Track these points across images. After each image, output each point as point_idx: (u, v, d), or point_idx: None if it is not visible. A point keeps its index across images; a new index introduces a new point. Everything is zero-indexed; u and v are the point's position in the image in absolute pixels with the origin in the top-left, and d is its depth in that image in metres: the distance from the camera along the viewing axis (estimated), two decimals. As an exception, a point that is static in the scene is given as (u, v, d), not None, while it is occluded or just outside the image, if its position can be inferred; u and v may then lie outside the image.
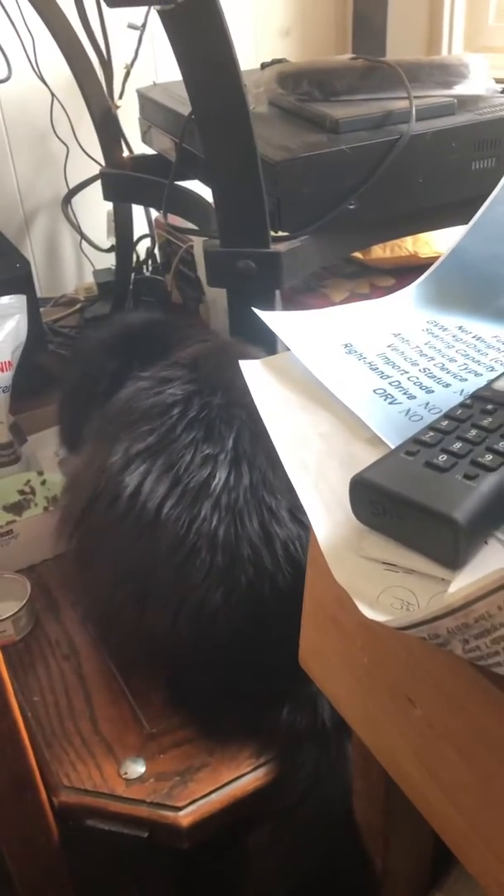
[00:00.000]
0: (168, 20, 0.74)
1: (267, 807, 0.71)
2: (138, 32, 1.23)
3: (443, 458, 0.41)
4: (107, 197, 1.22)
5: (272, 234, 0.85)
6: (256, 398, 0.51)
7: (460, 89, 0.97)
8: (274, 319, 0.57)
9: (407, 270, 1.09)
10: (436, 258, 0.62)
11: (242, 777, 0.71)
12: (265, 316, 0.57)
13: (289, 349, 0.54)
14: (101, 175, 1.20)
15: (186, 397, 0.73)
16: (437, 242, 1.10)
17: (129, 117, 1.23)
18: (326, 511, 0.44)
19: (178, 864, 0.83)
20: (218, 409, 0.72)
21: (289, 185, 0.86)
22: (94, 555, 0.75)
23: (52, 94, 1.33)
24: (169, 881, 0.84)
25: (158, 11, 0.73)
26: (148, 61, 1.33)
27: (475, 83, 0.98)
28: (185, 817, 0.68)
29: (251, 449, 0.70)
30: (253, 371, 0.53)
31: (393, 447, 0.45)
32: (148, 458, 0.70)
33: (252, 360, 0.54)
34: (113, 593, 0.73)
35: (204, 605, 0.68)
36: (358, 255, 1.14)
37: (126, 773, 0.71)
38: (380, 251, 1.13)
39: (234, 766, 0.72)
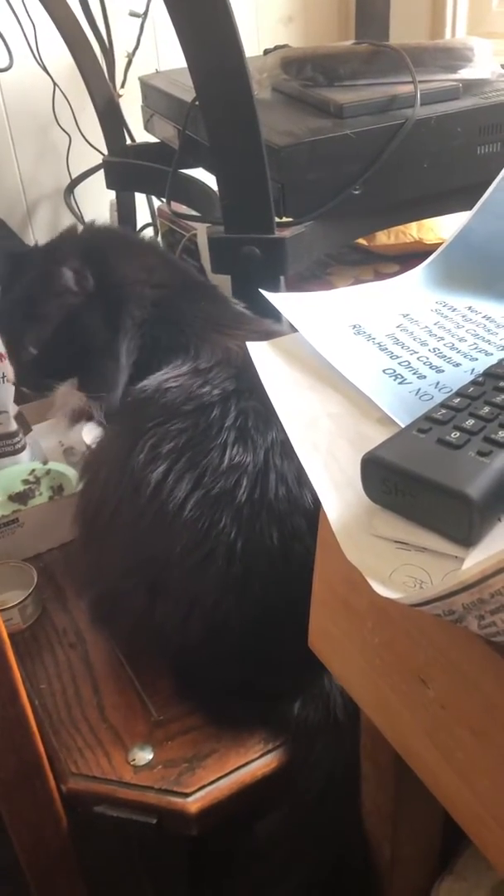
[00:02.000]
0: (172, 2, 0.73)
1: (276, 794, 0.71)
2: (140, 20, 1.23)
3: (455, 434, 0.41)
4: (110, 186, 1.22)
5: (277, 219, 0.85)
6: (264, 379, 0.51)
7: (465, 73, 0.96)
8: (281, 301, 0.56)
9: (411, 257, 1.08)
10: (440, 244, 0.62)
11: (251, 763, 0.71)
12: (273, 297, 0.56)
13: (296, 331, 0.54)
14: (104, 164, 1.20)
15: (224, 397, 0.70)
16: (442, 228, 1.09)
17: (131, 106, 1.23)
18: (336, 491, 0.44)
19: (187, 852, 0.83)
20: (255, 414, 0.69)
21: (293, 170, 0.85)
22: (108, 540, 0.74)
23: (54, 83, 1.32)
24: (178, 868, 0.84)
25: (162, -6, 0.73)
26: (150, 49, 1.33)
27: (480, 67, 0.97)
28: (194, 803, 0.68)
29: (281, 462, 0.68)
30: (261, 352, 0.53)
31: (403, 427, 0.44)
32: (176, 457, 0.68)
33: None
34: (123, 580, 0.72)
35: (216, 606, 0.68)
36: (362, 241, 1.14)
37: (134, 760, 0.71)
38: (384, 238, 1.12)
39: (242, 753, 0.72)
